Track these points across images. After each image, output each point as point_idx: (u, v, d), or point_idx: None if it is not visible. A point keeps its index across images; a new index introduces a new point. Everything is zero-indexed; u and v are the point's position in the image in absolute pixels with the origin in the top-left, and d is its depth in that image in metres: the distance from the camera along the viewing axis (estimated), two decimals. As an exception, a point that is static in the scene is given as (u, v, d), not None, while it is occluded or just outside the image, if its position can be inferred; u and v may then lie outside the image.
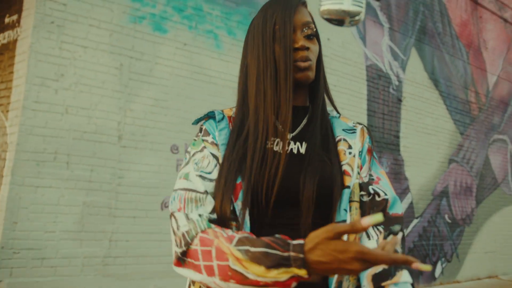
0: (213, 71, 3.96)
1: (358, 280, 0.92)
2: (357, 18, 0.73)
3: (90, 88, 3.36)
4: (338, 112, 1.06)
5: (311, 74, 0.94)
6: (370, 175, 0.99)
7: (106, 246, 3.32)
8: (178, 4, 3.83)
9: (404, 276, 0.87)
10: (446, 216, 6.54)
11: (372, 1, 5.71)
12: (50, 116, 3.17)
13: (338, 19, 0.74)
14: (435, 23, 6.80)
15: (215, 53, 3.99)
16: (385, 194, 0.98)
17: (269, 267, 0.68)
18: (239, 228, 0.83)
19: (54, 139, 3.16)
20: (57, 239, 3.12)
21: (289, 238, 0.71)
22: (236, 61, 4.10)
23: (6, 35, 3.45)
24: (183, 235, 0.79)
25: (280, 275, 0.68)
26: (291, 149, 0.94)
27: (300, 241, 0.69)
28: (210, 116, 0.98)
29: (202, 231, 0.79)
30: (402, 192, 5.85)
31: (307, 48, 0.93)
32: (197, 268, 0.76)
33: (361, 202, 0.95)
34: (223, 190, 0.85)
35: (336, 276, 0.87)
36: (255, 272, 0.69)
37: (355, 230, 0.65)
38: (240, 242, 0.73)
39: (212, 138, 0.93)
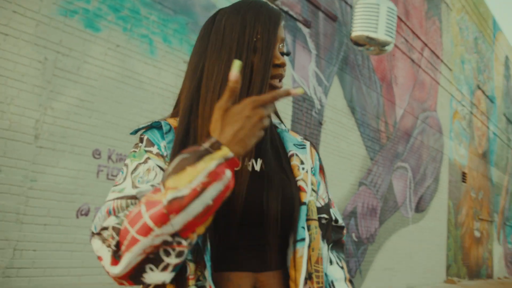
0: (145, 77, 3.83)
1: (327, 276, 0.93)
2: (386, 47, 0.76)
3: (6, 80, 3.06)
4: (285, 125, 1.02)
5: None
6: (328, 198, 0.99)
7: (9, 255, 3.01)
8: (114, 4, 3.66)
9: None
10: (353, 235, 6.95)
11: (303, 28, 5.98)
12: (-44, 107, 2.82)
13: (369, 46, 0.77)
14: (356, 55, 7.31)
15: (148, 59, 3.87)
16: (341, 222, 1.01)
17: (193, 163, 0.66)
18: (198, 253, 0.75)
19: (-41, 133, 2.82)
20: (-49, 246, 2.76)
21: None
22: (170, 69, 4.02)
23: None
24: (113, 228, 0.70)
25: (207, 164, 0.66)
26: (246, 166, 0.87)
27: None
28: (153, 126, 0.87)
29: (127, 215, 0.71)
30: (316, 211, 6.11)
31: (284, 65, 0.90)
32: (132, 242, 0.66)
33: (320, 224, 0.93)
34: None
35: (304, 269, 0.84)
36: (185, 180, 0.65)
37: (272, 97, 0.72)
38: (162, 180, 0.69)
39: (158, 149, 0.83)
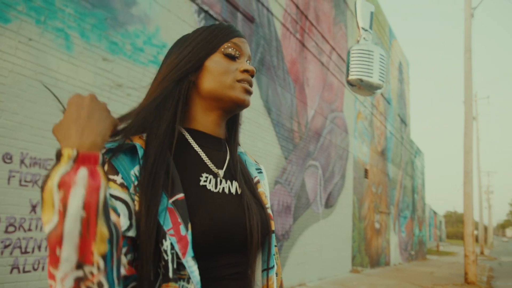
0: (61, 74, 3.55)
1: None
2: (379, 91, 0.80)
3: None
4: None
5: (249, 102, 0.88)
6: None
7: None
8: (25, -7, 3.34)
9: None
10: (270, 233, 7.16)
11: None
12: None
13: (363, 89, 0.81)
14: (271, 57, 7.52)
15: (64, 55, 3.59)
16: None
17: (44, 186, 0.58)
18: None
19: None
20: None
21: None
22: (88, 66, 3.78)
23: None
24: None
25: (53, 179, 0.57)
26: (223, 188, 0.84)
27: None
28: (120, 148, 0.74)
29: None
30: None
31: (252, 76, 0.89)
32: None
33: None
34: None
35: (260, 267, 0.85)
36: (49, 208, 0.57)
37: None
38: None
39: (122, 178, 0.72)
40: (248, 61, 0.90)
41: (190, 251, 0.70)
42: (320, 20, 9.71)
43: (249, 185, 0.90)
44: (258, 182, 0.93)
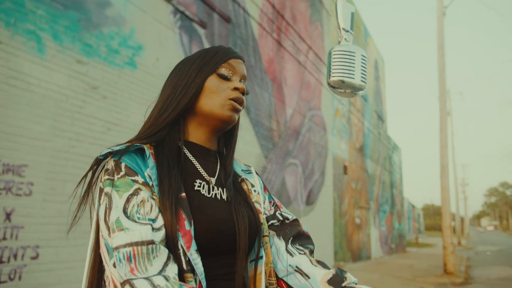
0: (33, 78, 3.45)
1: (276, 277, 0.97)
2: (361, 92, 0.80)
3: None
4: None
5: (236, 119, 0.95)
6: (274, 204, 1.07)
7: None
8: (-7, -5, 3.23)
9: (351, 277, 0.92)
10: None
11: (198, 28, 5.95)
12: None
13: (345, 90, 0.80)
14: (249, 57, 7.51)
15: (36, 58, 3.49)
16: (292, 216, 1.08)
17: None
18: (196, 281, 0.78)
19: None
20: None
21: None
22: (61, 69, 3.69)
23: None
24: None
25: None
26: (215, 194, 0.91)
27: None
28: (130, 150, 0.83)
29: None
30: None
31: (243, 94, 0.95)
32: None
33: (274, 227, 1.02)
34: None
35: (263, 285, 0.89)
36: None
37: None
38: None
39: (142, 178, 0.80)
40: (242, 80, 0.96)
41: (194, 245, 0.78)
42: (296, 20, 9.75)
43: (241, 192, 0.97)
44: (242, 180, 1.01)
